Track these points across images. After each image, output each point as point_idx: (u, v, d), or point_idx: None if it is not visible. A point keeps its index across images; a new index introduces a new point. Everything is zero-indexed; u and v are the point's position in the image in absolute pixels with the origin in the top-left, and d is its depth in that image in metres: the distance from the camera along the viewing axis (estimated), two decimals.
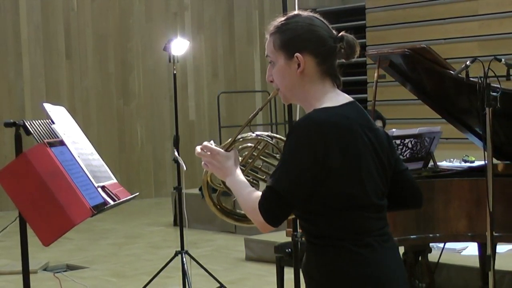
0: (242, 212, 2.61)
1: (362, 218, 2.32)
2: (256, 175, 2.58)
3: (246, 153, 2.57)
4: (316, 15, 2.44)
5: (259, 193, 2.33)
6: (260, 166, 2.61)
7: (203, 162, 2.50)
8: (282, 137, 2.58)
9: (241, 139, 2.55)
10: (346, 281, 2.29)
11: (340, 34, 2.40)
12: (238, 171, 2.45)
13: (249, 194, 2.37)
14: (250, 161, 2.56)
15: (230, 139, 2.53)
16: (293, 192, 2.26)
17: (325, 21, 2.42)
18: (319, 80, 2.38)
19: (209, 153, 2.47)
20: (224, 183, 2.54)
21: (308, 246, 2.39)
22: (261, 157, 2.60)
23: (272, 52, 2.41)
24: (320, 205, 2.30)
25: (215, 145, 2.50)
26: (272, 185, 2.27)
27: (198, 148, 2.50)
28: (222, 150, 2.47)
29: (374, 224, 2.35)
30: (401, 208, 2.54)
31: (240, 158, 2.55)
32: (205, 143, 2.49)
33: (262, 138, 2.55)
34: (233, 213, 2.67)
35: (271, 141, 2.56)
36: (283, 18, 2.43)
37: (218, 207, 2.64)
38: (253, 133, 2.56)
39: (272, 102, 11.44)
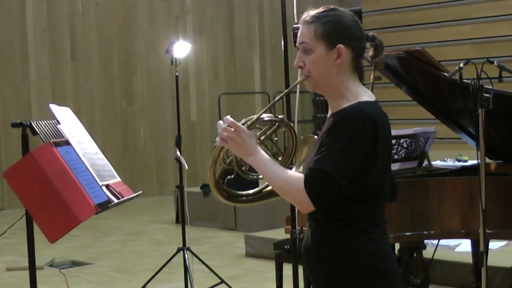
0: (240, 192, 2.59)
1: (381, 205, 2.46)
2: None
3: (258, 127, 2.51)
4: (352, 13, 2.49)
5: (297, 174, 2.37)
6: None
7: (219, 138, 2.42)
8: (293, 126, 2.58)
9: (264, 119, 2.50)
10: (365, 257, 2.39)
11: (371, 33, 2.48)
12: (262, 151, 2.43)
13: (287, 173, 2.37)
14: (261, 139, 2.51)
15: (252, 117, 2.47)
16: (343, 176, 2.30)
17: (359, 20, 2.48)
18: (351, 73, 2.45)
19: (233, 129, 2.41)
20: (237, 161, 2.50)
21: (321, 229, 2.43)
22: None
23: (311, 39, 2.41)
24: (353, 191, 2.36)
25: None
26: (324, 168, 2.29)
27: (221, 122, 2.44)
28: (246, 129, 2.43)
29: (383, 211, 2.48)
30: None
31: None
32: (228, 117, 2.43)
33: (276, 119, 2.51)
34: (232, 194, 2.60)
35: (288, 126, 2.53)
36: (321, 10, 2.44)
37: (219, 187, 2.56)
38: (274, 115, 2.52)
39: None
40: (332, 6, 2.47)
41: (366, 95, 2.43)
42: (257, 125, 2.49)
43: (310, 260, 2.50)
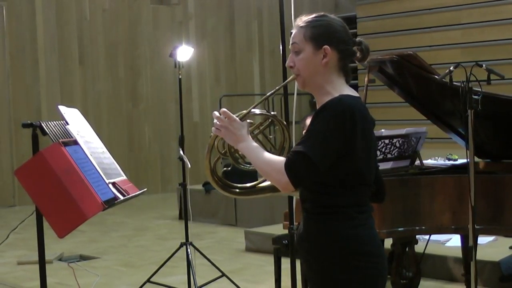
0: (233, 184, 2.67)
1: (364, 192, 2.50)
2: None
3: (250, 121, 2.61)
4: (341, 20, 2.58)
5: (279, 157, 2.45)
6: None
7: (214, 128, 2.54)
8: (284, 123, 2.68)
9: (254, 113, 2.60)
10: (348, 242, 2.43)
11: (358, 39, 2.57)
12: (251, 139, 2.53)
13: (270, 156, 2.46)
14: (253, 133, 2.63)
15: (245, 111, 2.58)
16: (322, 159, 2.36)
17: (347, 27, 2.57)
18: (337, 73, 2.52)
19: (226, 118, 2.52)
20: (230, 150, 2.60)
21: (310, 216, 2.50)
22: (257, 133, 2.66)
23: (301, 41, 2.52)
24: (336, 178, 2.42)
25: None
26: (303, 150, 2.36)
27: (216, 113, 2.56)
28: (238, 119, 2.54)
29: (368, 200, 2.53)
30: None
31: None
32: (224, 109, 2.55)
33: (268, 115, 2.64)
34: (226, 184, 2.68)
35: (275, 120, 2.63)
36: (313, 16, 2.55)
37: (214, 174, 2.65)
38: (267, 111, 2.65)
39: (270, 104, 11.44)
40: (322, 13, 2.58)
41: (349, 92, 2.50)
42: (251, 120, 2.59)
43: (302, 247, 2.55)
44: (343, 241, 2.43)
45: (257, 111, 2.61)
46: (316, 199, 2.48)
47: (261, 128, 2.65)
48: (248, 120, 2.58)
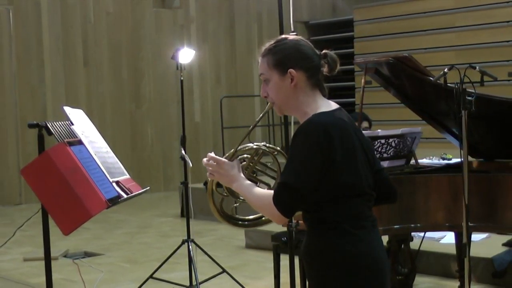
0: (241, 217, 2.75)
1: (359, 204, 2.42)
2: (255, 177, 2.65)
3: (246, 156, 2.64)
4: (301, 37, 2.54)
5: (270, 191, 2.43)
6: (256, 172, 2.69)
7: (208, 173, 2.54)
8: (276, 147, 2.69)
9: (242, 149, 2.62)
10: (345, 258, 2.38)
11: (323, 51, 2.50)
12: (243, 177, 2.52)
13: (261, 192, 2.45)
14: (251, 165, 2.63)
15: (232, 150, 2.59)
16: (303, 183, 2.33)
17: (309, 42, 2.52)
18: (310, 91, 2.47)
19: (215, 163, 2.52)
20: (228, 189, 2.62)
21: (310, 233, 2.47)
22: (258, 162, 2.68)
23: (266, 70, 2.48)
24: (325, 195, 2.37)
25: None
26: (285, 180, 2.34)
27: (204, 160, 2.55)
28: (227, 160, 2.53)
29: (367, 210, 2.46)
30: (377, 203, 2.58)
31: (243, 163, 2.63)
32: (210, 154, 2.55)
33: (259, 147, 2.64)
34: (234, 218, 2.76)
35: (267, 150, 2.64)
36: (273, 42, 2.51)
37: (222, 213, 2.73)
38: (253, 143, 2.65)
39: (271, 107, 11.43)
40: (283, 36, 2.54)
41: (325, 107, 2.45)
42: (246, 155, 2.62)
43: (304, 259, 2.53)
44: (340, 257, 2.38)
45: (249, 144, 2.62)
46: (313, 217, 2.44)
47: (255, 160, 2.63)
48: (242, 155, 2.60)
